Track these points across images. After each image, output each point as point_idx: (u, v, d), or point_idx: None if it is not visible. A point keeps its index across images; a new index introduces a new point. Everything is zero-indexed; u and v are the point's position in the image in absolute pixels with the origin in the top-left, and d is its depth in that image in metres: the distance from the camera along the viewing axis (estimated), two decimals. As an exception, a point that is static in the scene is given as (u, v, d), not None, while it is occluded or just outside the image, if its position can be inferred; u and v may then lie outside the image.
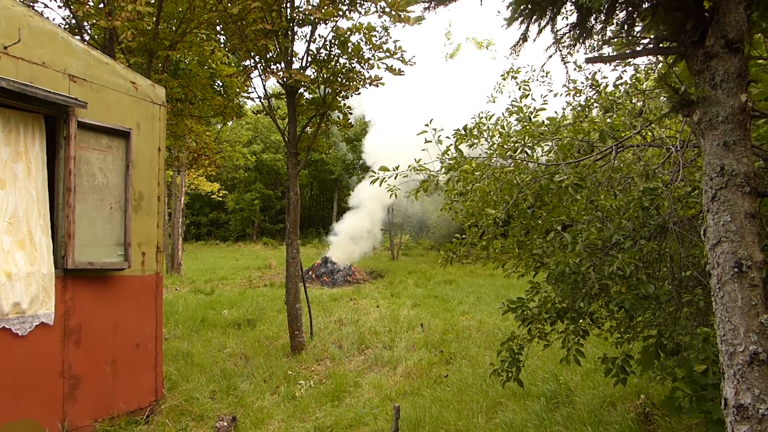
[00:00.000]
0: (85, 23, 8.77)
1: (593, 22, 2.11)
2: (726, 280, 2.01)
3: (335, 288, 15.73)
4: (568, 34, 2.17)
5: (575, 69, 5.62)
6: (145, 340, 5.24)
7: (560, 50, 2.24)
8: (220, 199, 31.82)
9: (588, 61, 2.22)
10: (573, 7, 2.09)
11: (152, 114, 5.43)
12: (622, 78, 4.74)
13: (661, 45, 2.24)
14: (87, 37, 8.96)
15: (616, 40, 2.30)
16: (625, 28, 2.16)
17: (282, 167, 36.07)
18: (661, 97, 4.90)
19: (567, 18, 2.17)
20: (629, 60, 5.00)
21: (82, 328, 4.67)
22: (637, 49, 2.34)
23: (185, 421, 5.12)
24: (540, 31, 2.17)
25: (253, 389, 6.16)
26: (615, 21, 2.21)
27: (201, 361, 6.91)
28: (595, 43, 2.26)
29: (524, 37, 2.18)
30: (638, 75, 4.90)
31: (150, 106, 5.41)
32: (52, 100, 4.40)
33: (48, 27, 4.55)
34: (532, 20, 2.10)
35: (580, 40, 2.16)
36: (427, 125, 3.85)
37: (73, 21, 8.84)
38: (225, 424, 4.99)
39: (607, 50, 2.51)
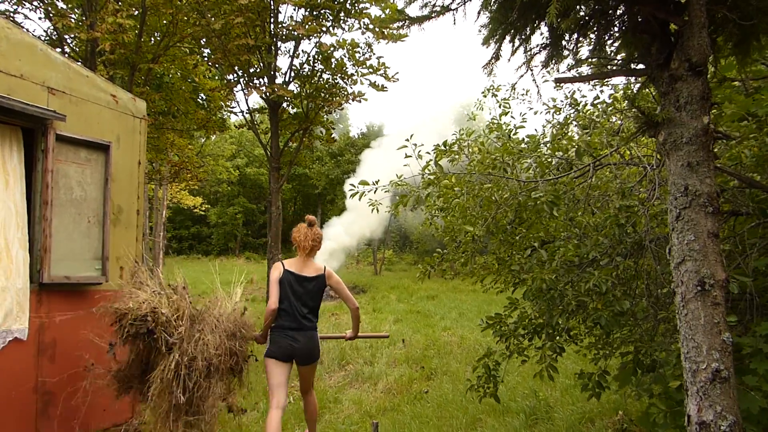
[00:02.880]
0: (66, 36, 8.74)
1: (564, 43, 2.16)
2: (689, 298, 2.05)
3: (317, 303, 15.66)
4: (539, 54, 2.22)
5: (555, 87, 5.72)
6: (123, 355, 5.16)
7: (531, 70, 2.29)
8: (203, 213, 31.63)
9: (558, 81, 2.27)
10: (546, 28, 2.14)
11: (133, 127, 5.41)
12: (599, 98, 4.83)
13: (631, 66, 2.30)
14: (68, 50, 8.93)
15: (591, 60, 2.35)
16: (597, 49, 2.21)
17: (265, 181, 35.98)
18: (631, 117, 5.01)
19: (542, 37, 2.23)
20: (602, 80, 5.10)
21: (57, 343, 4.60)
22: (607, 70, 2.40)
23: (162, 438, 5.04)
24: (514, 51, 2.22)
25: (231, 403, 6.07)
26: (588, 42, 2.27)
27: (179, 376, 6.82)
28: (571, 62, 2.32)
29: (497, 56, 2.22)
30: (616, 95, 5.00)
31: (130, 120, 5.39)
32: (30, 112, 4.36)
33: (27, 39, 4.53)
34: (506, 40, 2.14)
35: (553, 60, 2.21)
36: (407, 140, 3.89)
37: (55, 33, 8.81)
38: (202, 440, 4.90)
39: (582, 70, 2.56)
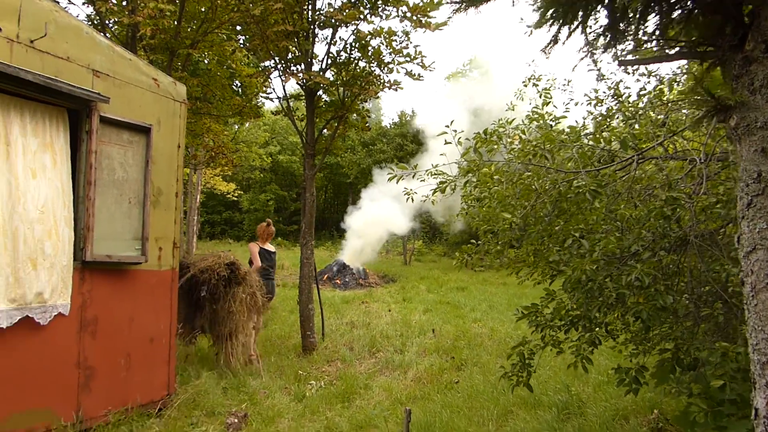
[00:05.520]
0: (108, 20, 8.89)
1: (625, 25, 2.09)
2: (760, 288, 1.98)
3: (347, 290, 15.74)
4: (601, 37, 2.16)
5: (597, 79, 5.60)
6: (159, 334, 5.28)
7: (592, 53, 2.22)
8: (235, 198, 32.00)
9: (621, 63, 2.20)
10: (605, 10, 2.07)
11: (173, 111, 5.49)
12: (645, 89, 4.71)
13: (698, 49, 2.21)
14: (109, 35, 9.08)
15: (648, 45, 2.28)
16: (660, 31, 2.14)
17: (298, 169, 36.27)
18: (684, 110, 4.87)
19: (597, 21, 2.16)
20: (655, 69, 4.97)
21: (98, 320, 4.72)
22: (672, 52, 2.32)
23: (197, 416, 5.15)
24: (570, 34, 2.16)
25: (264, 387, 6.17)
26: (649, 24, 2.19)
27: (211, 357, 6.94)
28: (624, 48, 2.24)
29: (555, 39, 2.17)
30: (662, 86, 4.87)
31: (171, 103, 5.47)
32: (76, 94, 4.46)
33: (74, 22, 4.62)
34: (563, 23, 2.09)
35: (613, 44, 2.15)
36: (447, 126, 3.86)
37: (97, 18, 8.97)
38: (236, 420, 5.01)
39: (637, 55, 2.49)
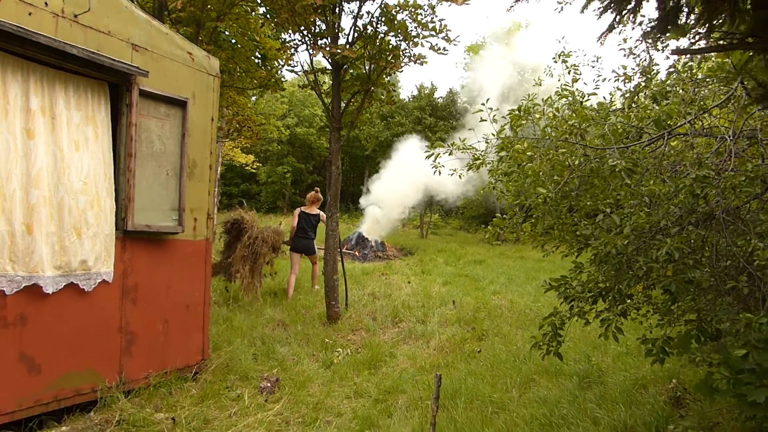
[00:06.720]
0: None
1: (673, 17, 2.16)
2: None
3: (366, 263, 15.94)
4: (654, 26, 2.22)
5: (625, 56, 5.62)
6: (194, 302, 5.49)
7: (648, 41, 2.30)
8: (253, 170, 32.20)
9: (674, 52, 2.27)
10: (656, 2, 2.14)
11: (207, 84, 5.60)
12: (676, 67, 4.74)
13: (747, 40, 2.27)
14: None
15: (700, 33, 2.34)
16: (708, 22, 2.21)
17: (315, 141, 36.32)
18: (706, 88, 4.89)
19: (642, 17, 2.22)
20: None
21: (138, 287, 4.93)
22: (722, 43, 2.38)
23: (231, 380, 5.38)
24: (620, 21, 2.23)
25: (292, 354, 6.40)
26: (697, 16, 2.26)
27: (240, 325, 7.17)
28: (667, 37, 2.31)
29: (611, 28, 2.24)
30: (691, 63, 4.89)
31: (205, 77, 5.58)
32: (117, 68, 4.59)
33: (114, -3, 4.72)
34: (618, 10, 2.16)
35: (664, 33, 2.22)
36: (483, 104, 3.94)
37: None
38: (269, 384, 5.23)
39: (681, 43, 2.55)
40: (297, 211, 9.65)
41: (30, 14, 4.01)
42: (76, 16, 4.34)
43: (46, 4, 4.11)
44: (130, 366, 4.86)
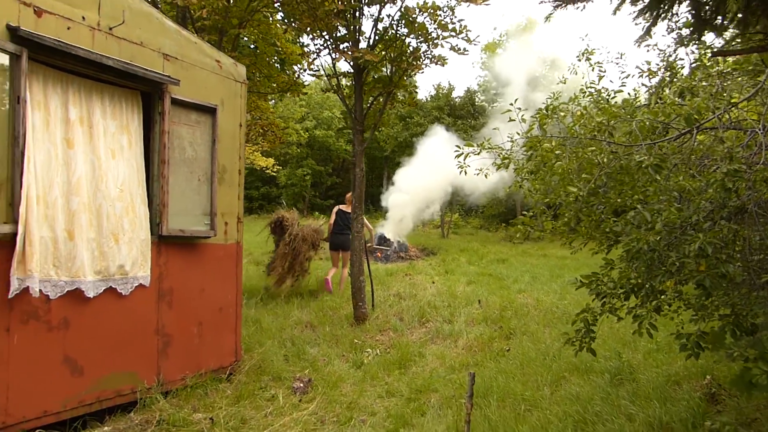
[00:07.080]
0: (158, 1, 9.14)
1: (708, 18, 2.19)
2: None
3: (389, 263, 16.00)
4: (689, 27, 2.26)
5: (648, 50, 5.59)
6: (227, 304, 5.59)
7: (684, 43, 2.33)
8: (273, 174, 32.41)
9: (714, 54, 2.30)
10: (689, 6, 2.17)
11: (235, 91, 5.71)
12: (701, 60, 4.72)
13: None
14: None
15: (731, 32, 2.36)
16: (742, 24, 2.23)
17: (333, 144, 36.45)
18: (728, 81, 4.86)
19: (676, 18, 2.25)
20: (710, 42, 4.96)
21: (173, 290, 5.04)
22: (763, 44, 2.40)
23: (264, 381, 5.48)
24: (655, 23, 2.26)
25: (322, 355, 6.48)
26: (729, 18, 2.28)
27: (270, 327, 7.28)
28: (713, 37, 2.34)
29: (648, 32, 2.28)
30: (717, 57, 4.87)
31: (233, 84, 5.69)
32: (150, 77, 4.71)
33: (145, 8, 4.85)
34: (657, 14, 2.19)
35: (699, 33, 2.25)
36: (512, 104, 3.98)
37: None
38: (301, 384, 5.32)
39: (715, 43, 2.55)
40: (335, 209, 10.24)
41: (69, 29, 4.14)
42: (111, 28, 4.47)
43: (83, 18, 4.25)
44: (167, 367, 4.98)
